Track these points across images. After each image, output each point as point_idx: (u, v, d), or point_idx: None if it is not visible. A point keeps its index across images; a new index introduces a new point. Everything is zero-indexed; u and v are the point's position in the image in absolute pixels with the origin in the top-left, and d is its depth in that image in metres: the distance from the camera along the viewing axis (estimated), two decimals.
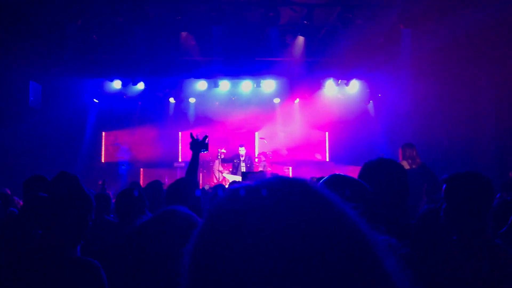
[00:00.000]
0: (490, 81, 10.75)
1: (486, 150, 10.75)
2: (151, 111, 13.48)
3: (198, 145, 3.97)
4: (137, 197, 3.60)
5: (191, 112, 13.74)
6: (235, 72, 11.91)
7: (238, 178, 10.96)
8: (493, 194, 2.45)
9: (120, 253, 1.63)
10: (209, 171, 12.62)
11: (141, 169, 13.21)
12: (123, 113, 13.33)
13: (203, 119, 13.44)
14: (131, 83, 12.49)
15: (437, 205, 2.65)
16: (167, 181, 11.72)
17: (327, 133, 13.75)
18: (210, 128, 13.24)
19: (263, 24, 9.22)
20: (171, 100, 13.51)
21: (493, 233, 2.54)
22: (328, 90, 12.96)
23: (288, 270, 0.60)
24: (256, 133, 13.64)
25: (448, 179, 2.48)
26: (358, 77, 12.51)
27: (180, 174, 11.88)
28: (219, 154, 12.25)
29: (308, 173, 12.02)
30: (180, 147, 13.66)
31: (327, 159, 13.75)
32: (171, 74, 11.94)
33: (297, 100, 13.48)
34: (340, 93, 13.08)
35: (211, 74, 12.10)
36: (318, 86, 12.81)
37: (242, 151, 11.87)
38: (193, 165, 3.90)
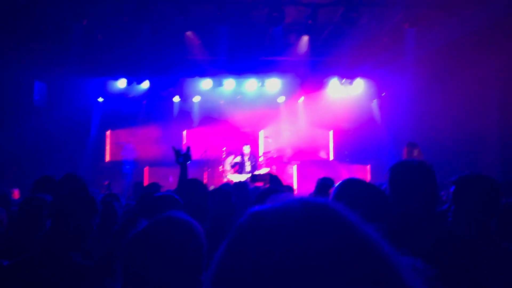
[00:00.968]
0: (495, 80, 10.71)
1: (490, 149, 10.71)
2: (155, 110, 13.50)
3: (182, 158, 3.83)
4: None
5: (196, 111, 13.76)
6: (240, 71, 11.92)
7: (243, 177, 10.97)
8: (501, 197, 2.46)
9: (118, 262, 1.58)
10: (214, 170, 12.64)
11: (146, 168, 13.23)
12: (127, 112, 13.35)
13: (208, 118, 13.46)
14: (136, 82, 12.51)
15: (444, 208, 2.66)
16: (171, 180, 11.77)
17: (331, 132, 13.74)
18: (215, 127, 13.28)
19: (268, 24, 9.22)
20: (176, 99, 13.53)
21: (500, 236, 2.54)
22: (332, 89, 12.96)
23: None
24: (261, 132, 13.64)
25: (457, 182, 2.48)
26: (363, 75, 12.51)
27: None
28: (224, 153, 12.26)
29: (312, 172, 12.04)
30: None
31: (332, 158, 13.75)
32: (175, 73, 11.97)
33: (302, 99, 13.47)
34: (345, 92, 13.08)
35: (216, 73, 12.11)
36: (323, 85, 12.81)
37: (246, 150, 11.87)
38: (183, 177, 3.77)
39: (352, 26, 9.32)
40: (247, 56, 10.89)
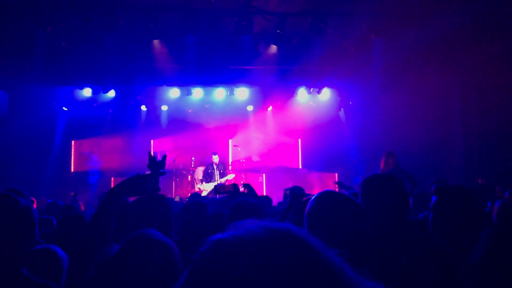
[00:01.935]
0: (458, 88, 11.07)
1: (455, 156, 11.05)
2: (122, 119, 13.29)
3: (156, 166, 3.59)
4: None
5: (164, 119, 13.62)
6: (208, 80, 11.89)
7: (212, 186, 10.91)
8: (478, 207, 2.56)
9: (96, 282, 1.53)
10: (182, 180, 12.52)
11: (112, 178, 12.96)
12: (93, 121, 13.10)
13: (176, 127, 13.34)
14: (102, 91, 12.29)
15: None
16: None
17: (299, 140, 13.87)
18: (183, 136, 13.17)
19: (237, 33, 9.23)
20: (143, 107, 13.36)
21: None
22: (300, 98, 13.12)
23: None
24: (230, 141, 13.63)
25: (438, 192, 2.56)
26: (330, 85, 12.73)
27: None
28: (192, 162, 12.18)
29: (281, 180, 12.09)
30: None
31: (300, 166, 13.86)
32: (143, 81, 11.82)
33: (270, 107, 13.58)
34: (312, 101, 13.25)
35: (184, 81, 12.04)
36: (291, 94, 12.96)
37: (215, 159, 11.86)
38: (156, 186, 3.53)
39: (320, 36, 9.45)
40: (216, 65, 10.87)
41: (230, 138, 13.62)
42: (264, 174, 13.21)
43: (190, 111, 13.39)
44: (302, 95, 13.04)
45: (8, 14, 8.77)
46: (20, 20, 8.98)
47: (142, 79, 11.62)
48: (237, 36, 9.50)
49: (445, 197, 2.48)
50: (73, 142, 13.37)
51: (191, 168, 12.25)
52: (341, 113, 13.53)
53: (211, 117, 13.18)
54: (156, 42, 10.33)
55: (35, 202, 6.74)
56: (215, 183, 11.09)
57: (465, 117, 10.93)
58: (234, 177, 11.86)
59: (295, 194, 2.96)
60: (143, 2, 9.01)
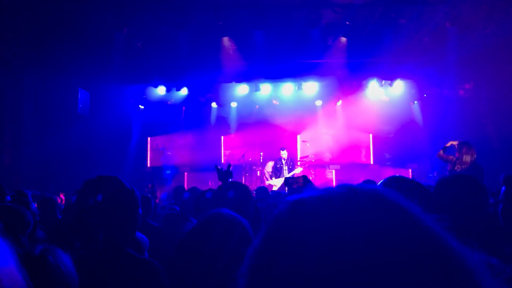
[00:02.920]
0: None
1: None
2: (193, 116, 13.69)
3: (225, 176, 3.95)
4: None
5: (233, 116, 13.84)
6: (276, 74, 11.89)
7: (281, 181, 10.92)
8: None
9: (173, 259, 1.69)
10: (252, 175, 12.65)
11: (186, 173, 13.42)
12: (167, 119, 13.60)
13: (245, 123, 13.50)
14: (175, 89, 12.73)
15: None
16: (210, 184, 11.88)
17: (371, 135, 13.47)
18: (252, 132, 13.30)
19: (305, 26, 9.17)
20: (213, 105, 13.66)
21: None
22: (371, 91, 12.70)
23: None
24: (298, 136, 13.54)
25: (507, 181, 2.37)
26: (403, 76, 12.17)
27: None
28: (261, 158, 12.25)
29: (352, 176, 11.83)
30: (222, 151, 13.77)
31: (371, 162, 13.47)
32: (213, 78, 12.08)
33: (340, 102, 13.28)
34: (384, 94, 12.79)
35: (252, 77, 12.12)
36: (361, 87, 12.57)
37: (284, 154, 11.82)
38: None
39: (391, 26, 9.13)
40: (284, 60, 10.85)
41: (299, 134, 13.53)
42: (334, 170, 13.00)
43: (257, 106, 13.48)
44: (373, 88, 12.61)
45: (88, 18, 9.35)
46: (99, 23, 9.55)
47: (212, 76, 11.89)
48: (305, 29, 9.42)
49: None
50: (148, 138, 13.98)
51: (259, 163, 12.34)
52: (415, 106, 12.95)
53: (279, 113, 13.17)
54: (225, 39, 10.52)
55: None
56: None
57: None
58: (302, 171, 11.77)
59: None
60: (212, 1, 9.21)
